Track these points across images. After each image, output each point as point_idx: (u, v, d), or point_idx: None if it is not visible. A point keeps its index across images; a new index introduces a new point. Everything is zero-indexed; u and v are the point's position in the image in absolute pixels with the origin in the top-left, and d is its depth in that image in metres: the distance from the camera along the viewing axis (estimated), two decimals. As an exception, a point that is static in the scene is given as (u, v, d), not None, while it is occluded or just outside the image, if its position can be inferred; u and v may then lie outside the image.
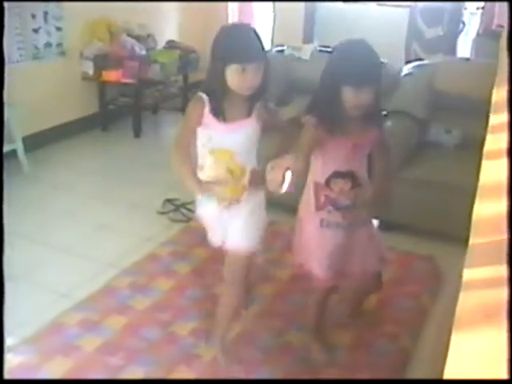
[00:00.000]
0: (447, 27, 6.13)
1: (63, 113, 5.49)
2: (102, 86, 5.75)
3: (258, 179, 2.31)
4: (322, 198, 2.42)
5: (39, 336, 2.85)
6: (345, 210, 2.42)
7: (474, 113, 3.31)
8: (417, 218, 3.83)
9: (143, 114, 5.99)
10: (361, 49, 2.27)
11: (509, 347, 0.78)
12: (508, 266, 0.95)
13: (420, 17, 6.25)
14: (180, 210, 4.06)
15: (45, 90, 5.22)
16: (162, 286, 3.28)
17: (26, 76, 4.92)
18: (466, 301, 0.92)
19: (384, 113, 4.04)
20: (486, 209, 1.20)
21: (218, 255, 2.70)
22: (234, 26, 2.52)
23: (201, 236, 2.77)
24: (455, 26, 6.22)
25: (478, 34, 6.06)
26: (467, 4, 6.34)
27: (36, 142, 5.05)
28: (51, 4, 5.09)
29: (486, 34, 5.77)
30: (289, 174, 1.96)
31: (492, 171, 1.33)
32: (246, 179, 2.37)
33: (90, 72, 5.58)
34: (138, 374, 2.63)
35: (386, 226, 3.62)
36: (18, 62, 4.88)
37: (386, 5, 6.86)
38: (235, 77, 2.19)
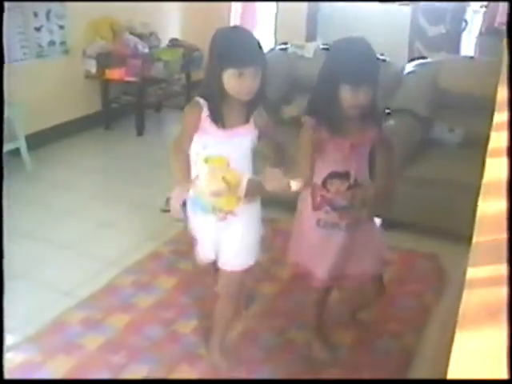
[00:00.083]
0: (450, 25, 6.13)
1: (66, 111, 5.49)
2: (105, 84, 5.76)
3: (254, 189, 2.27)
4: (319, 198, 2.39)
5: (41, 334, 2.85)
6: (342, 211, 2.39)
7: (477, 111, 3.31)
8: (420, 217, 3.82)
9: (146, 113, 5.99)
10: (358, 47, 2.24)
11: (509, 347, 0.78)
12: (508, 265, 0.95)
13: (422, 15, 6.26)
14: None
15: (48, 89, 5.22)
16: (164, 284, 3.28)
17: (29, 74, 4.93)
18: (470, 299, 0.92)
19: (387, 111, 4.06)
20: (490, 207, 1.20)
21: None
22: (231, 29, 2.42)
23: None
24: (458, 24, 6.21)
25: (480, 32, 6.05)
26: (470, 2, 6.32)
27: (39, 141, 5.05)
28: (54, 2, 5.09)
29: (489, 32, 5.76)
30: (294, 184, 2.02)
31: (496, 169, 1.32)
32: (241, 189, 2.30)
33: (93, 70, 5.59)
34: (141, 373, 2.63)
35: (389, 225, 3.62)
36: (21, 60, 4.88)
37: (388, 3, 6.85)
38: (232, 81, 2.13)
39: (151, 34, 6.13)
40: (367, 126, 2.34)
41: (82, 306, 3.07)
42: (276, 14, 7.19)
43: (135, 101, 5.84)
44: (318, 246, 2.47)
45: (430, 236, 3.79)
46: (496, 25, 5.68)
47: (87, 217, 4.08)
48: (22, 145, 4.72)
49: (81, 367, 2.65)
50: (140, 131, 5.83)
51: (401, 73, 4.44)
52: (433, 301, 3.19)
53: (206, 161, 2.27)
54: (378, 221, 3.63)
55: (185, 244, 3.67)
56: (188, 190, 2.32)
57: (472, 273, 0.99)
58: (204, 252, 2.50)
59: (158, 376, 2.62)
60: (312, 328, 2.80)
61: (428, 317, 3.05)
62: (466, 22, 6.24)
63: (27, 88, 4.87)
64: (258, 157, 2.37)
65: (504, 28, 5.05)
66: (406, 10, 6.50)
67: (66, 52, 5.37)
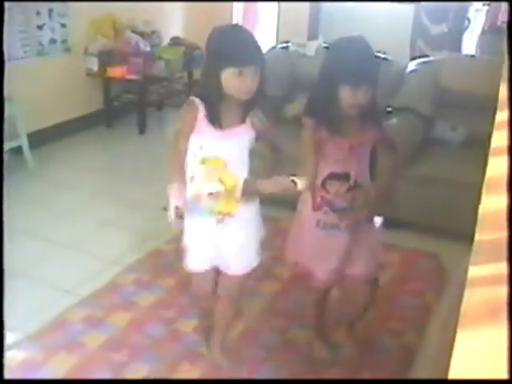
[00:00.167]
0: (452, 24, 6.12)
1: (67, 109, 5.49)
2: (107, 82, 5.76)
3: (251, 190, 2.24)
4: (319, 199, 2.37)
5: (43, 332, 2.85)
6: (342, 212, 2.37)
7: (479, 110, 3.30)
8: (422, 216, 3.82)
9: (148, 111, 5.99)
10: (357, 46, 2.21)
11: (509, 347, 0.77)
12: (508, 264, 0.95)
13: (425, 13, 6.25)
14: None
15: (49, 87, 5.22)
16: (165, 282, 3.28)
17: (30, 72, 4.93)
18: (471, 298, 0.92)
19: (389, 109, 4.05)
20: (492, 206, 1.20)
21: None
22: (229, 27, 2.33)
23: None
24: (460, 23, 6.21)
25: (483, 31, 6.05)
26: (473, 1, 6.32)
27: (40, 139, 5.05)
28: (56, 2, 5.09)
29: (491, 31, 5.75)
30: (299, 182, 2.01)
31: (498, 168, 1.32)
32: (238, 191, 2.26)
33: (95, 68, 5.59)
34: (142, 371, 2.63)
35: (390, 224, 3.62)
36: (22, 58, 4.88)
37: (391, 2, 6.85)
38: (231, 81, 2.08)
39: (153, 32, 6.13)
40: (367, 126, 2.31)
41: (83, 305, 3.07)
42: (278, 14, 7.19)
43: (137, 99, 5.84)
44: (317, 247, 2.45)
45: (431, 235, 3.79)
46: (498, 23, 5.68)
47: (88, 215, 4.08)
48: (24, 143, 4.72)
49: (82, 365, 2.65)
50: (142, 130, 5.83)
51: (403, 71, 4.44)
52: (434, 299, 3.18)
53: (203, 162, 2.22)
54: (379, 220, 3.64)
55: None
56: (183, 190, 2.25)
57: (473, 271, 0.99)
58: (198, 260, 2.41)
59: (159, 374, 2.62)
60: (312, 327, 2.80)
61: (429, 315, 3.05)
62: (468, 20, 6.24)
63: (28, 86, 4.87)
64: (255, 156, 2.34)
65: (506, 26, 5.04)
66: (408, 8, 6.50)
67: (68, 50, 5.37)
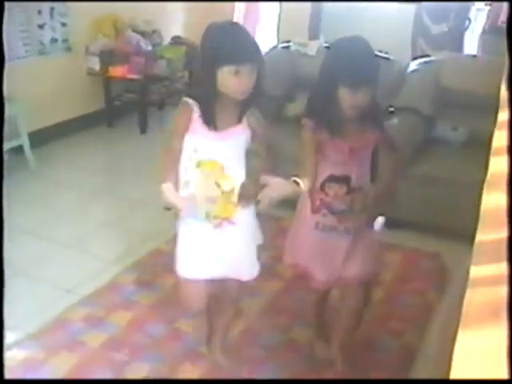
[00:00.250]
0: (453, 23, 6.11)
1: (68, 109, 5.49)
2: (108, 81, 5.75)
3: (249, 194, 2.19)
4: (318, 202, 2.35)
5: (44, 331, 2.85)
6: (341, 215, 2.34)
7: (480, 110, 3.30)
8: (423, 215, 3.81)
9: (149, 110, 5.98)
10: (356, 47, 2.17)
11: (509, 347, 0.77)
12: (508, 264, 0.95)
13: (426, 13, 6.23)
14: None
15: (50, 86, 5.22)
16: (167, 282, 3.28)
17: (31, 72, 4.93)
18: (473, 298, 0.91)
19: (391, 109, 4.05)
20: (493, 206, 1.20)
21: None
22: (225, 25, 2.19)
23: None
24: (461, 23, 6.19)
25: (484, 31, 6.03)
26: (474, 1, 6.31)
27: (41, 139, 5.05)
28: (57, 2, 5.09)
29: (493, 31, 5.73)
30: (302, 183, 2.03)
31: (499, 167, 1.32)
32: (235, 195, 2.20)
33: (96, 68, 5.58)
34: (143, 370, 2.63)
35: (392, 223, 3.61)
36: (23, 57, 4.88)
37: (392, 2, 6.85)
38: (228, 79, 2.00)
39: (154, 31, 6.12)
40: (368, 127, 2.27)
41: (83, 304, 3.07)
42: (279, 13, 7.18)
43: (138, 98, 5.83)
44: (316, 249, 2.43)
45: (432, 234, 3.79)
46: (499, 23, 5.66)
47: (89, 215, 4.08)
48: (25, 142, 4.72)
49: (83, 365, 2.65)
50: (143, 129, 5.82)
51: (404, 71, 4.43)
52: (435, 299, 3.18)
53: (198, 165, 2.15)
54: (381, 219, 3.64)
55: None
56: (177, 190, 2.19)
57: (475, 271, 0.99)
58: (193, 266, 2.32)
59: (159, 374, 2.62)
60: (313, 327, 2.80)
61: (430, 315, 3.05)
62: (469, 20, 6.22)
63: (29, 85, 4.86)
64: (251, 155, 2.29)
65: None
66: (409, 8, 6.49)
67: (69, 49, 5.37)
